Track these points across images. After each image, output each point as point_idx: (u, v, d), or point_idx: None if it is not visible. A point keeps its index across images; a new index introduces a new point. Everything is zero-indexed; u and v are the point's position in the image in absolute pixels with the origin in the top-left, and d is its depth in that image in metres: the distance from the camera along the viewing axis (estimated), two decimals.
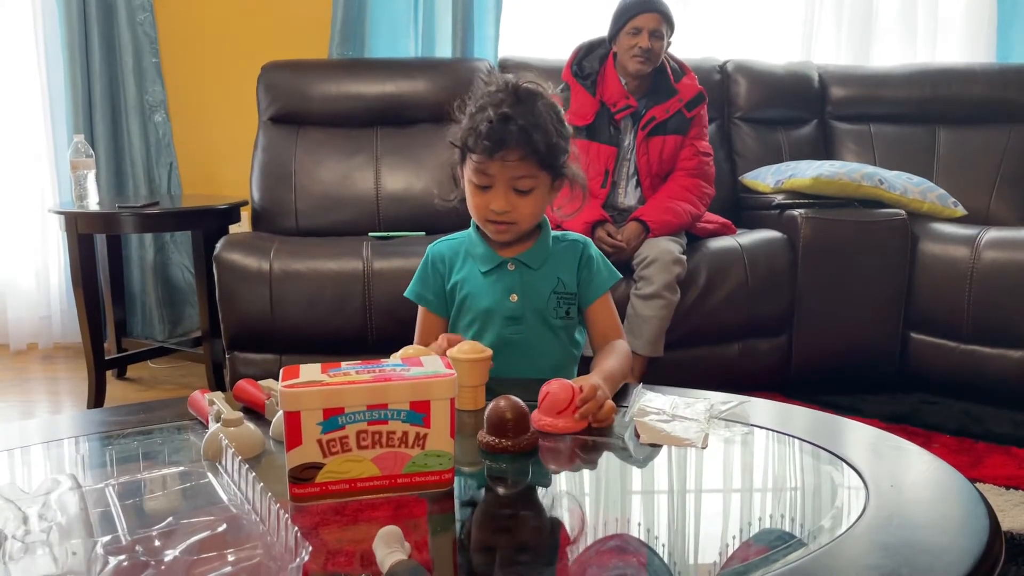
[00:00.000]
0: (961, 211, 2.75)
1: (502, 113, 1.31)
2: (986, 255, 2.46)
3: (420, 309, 1.49)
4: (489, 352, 1.23)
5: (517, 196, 1.35)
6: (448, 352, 1.22)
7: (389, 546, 0.77)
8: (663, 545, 0.86)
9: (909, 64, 3.30)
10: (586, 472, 1.08)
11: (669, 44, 2.57)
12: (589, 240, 1.50)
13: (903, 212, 2.61)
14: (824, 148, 3.14)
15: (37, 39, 3.17)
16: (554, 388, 1.13)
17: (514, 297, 1.40)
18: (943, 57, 3.46)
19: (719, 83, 3.09)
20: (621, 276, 1.54)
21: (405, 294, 1.49)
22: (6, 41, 3.20)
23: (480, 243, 1.44)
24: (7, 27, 3.18)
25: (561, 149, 1.37)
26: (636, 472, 1.06)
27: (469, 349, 1.22)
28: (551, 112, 1.36)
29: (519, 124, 1.31)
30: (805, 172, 2.68)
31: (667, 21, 2.52)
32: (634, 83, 2.57)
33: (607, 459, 1.10)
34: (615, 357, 1.36)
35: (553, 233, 1.46)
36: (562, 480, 1.06)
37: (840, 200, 2.63)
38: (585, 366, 1.40)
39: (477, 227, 1.45)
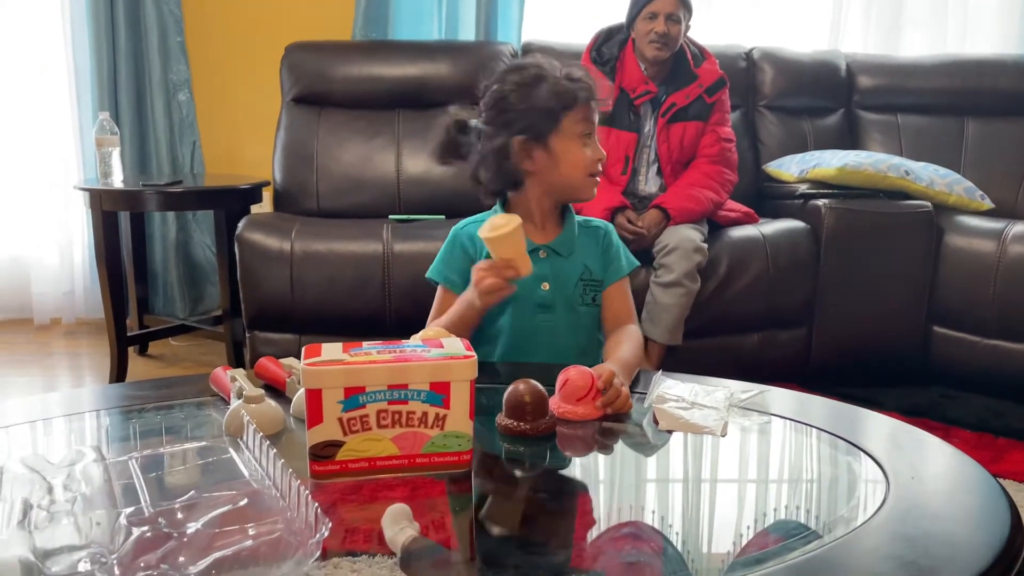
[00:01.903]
0: (988, 204, 2.71)
1: (574, 64, 1.42)
2: (1013, 249, 2.42)
3: (440, 290, 1.48)
4: (517, 221, 1.24)
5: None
6: (480, 234, 1.26)
7: (398, 523, 0.77)
8: (676, 533, 0.86)
9: (938, 54, 3.25)
10: (603, 457, 1.08)
11: (688, 28, 2.54)
12: (611, 226, 1.51)
13: (929, 204, 2.58)
14: (850, 138, 3.10)
15: (64, 16, 3.19)
16: (572, 375, 1.13)
17: (546, 286, 1.41)
18: (973, 48, 3.40)
19: (745, 70, 3.06)
20: (639, 264, 1.54)
21: (428, 275, 1.48)
22: (33, 18, 3.22)
23: None
24: (35, 4, 3.20)
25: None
26: (653, 459, 1.06)
27: (490, 227, 1.24)
28: None
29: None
30: (830, 162, 2.65)
31: (684, 5, 2.49)
32: (653, 69, 2.55)
33: (624, 445, 1.10)
34: (628, 344, 1.36)
35: (576, 218, 1.47)
36: (579, 465, 1.06)
37: (865, 191, 2.60)
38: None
39: (504, 209, 1.46)
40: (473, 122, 1.45)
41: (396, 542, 0.76)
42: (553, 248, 1.42)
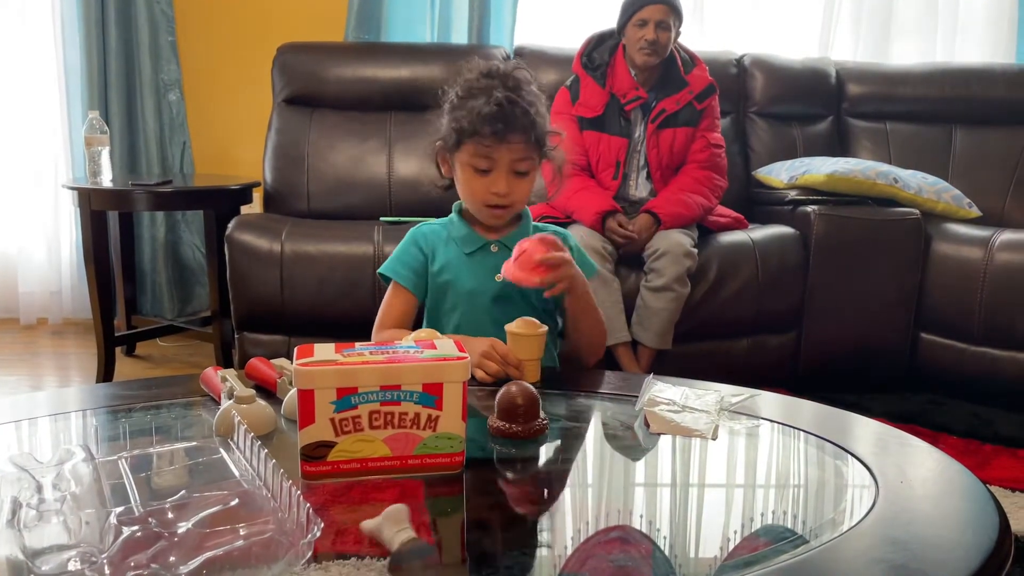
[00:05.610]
0: (976, 212, 2.73)
1: (506, 96, 1.34)
2: (999, 257, 2.44)
3: (390, 288, 1.47)
4: (545, 328, 1.27)
5: (516, 179, 1.38)
6: (507, 327, 1.27)
7: (399, 523, 0.78)
8: (665, 537, 0.86)
9: (927, 63, 3.28)
10: (594, 460, 1.08)
11: (678, 35, 2.55)
12: (568, 233, 1.53)
13: (917, 211, 2.60)
14: (839, 145, 3.12)
15: (54, 15, 3.17)
16: (527, 246, 1.30)
17: (499, 277, 1.38)
18: (962, 57, 3.43)
19: (735, 77, 3.07)
20: (597, 269, 1.56)
21: (380, 271, 1.47)
22: (24, 16, 3.20)
23: (463, 225, 1.45)
24: (25, 2, 3.19)
25: (549, 133, 1.41)
26: (645, 462, 1.06)
27: (523, 325, 1.26)
28: (541, 97, 1.40)
29: (522, 107, 1.34)
30: (820, 169, 2.66)
31: (674, 12, 2.50)
32: (643, 75, 2.56)
33: (616, 448, 1.10)
34: None
35: (534, 224, 1.49)
36: (570, 468, 1.06)
37: (854, 198, 2.61)
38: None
39: (459, 211, 1.47)
40: None
41: (393, 542, 0.76)
42: (504, 243, 1.43)
